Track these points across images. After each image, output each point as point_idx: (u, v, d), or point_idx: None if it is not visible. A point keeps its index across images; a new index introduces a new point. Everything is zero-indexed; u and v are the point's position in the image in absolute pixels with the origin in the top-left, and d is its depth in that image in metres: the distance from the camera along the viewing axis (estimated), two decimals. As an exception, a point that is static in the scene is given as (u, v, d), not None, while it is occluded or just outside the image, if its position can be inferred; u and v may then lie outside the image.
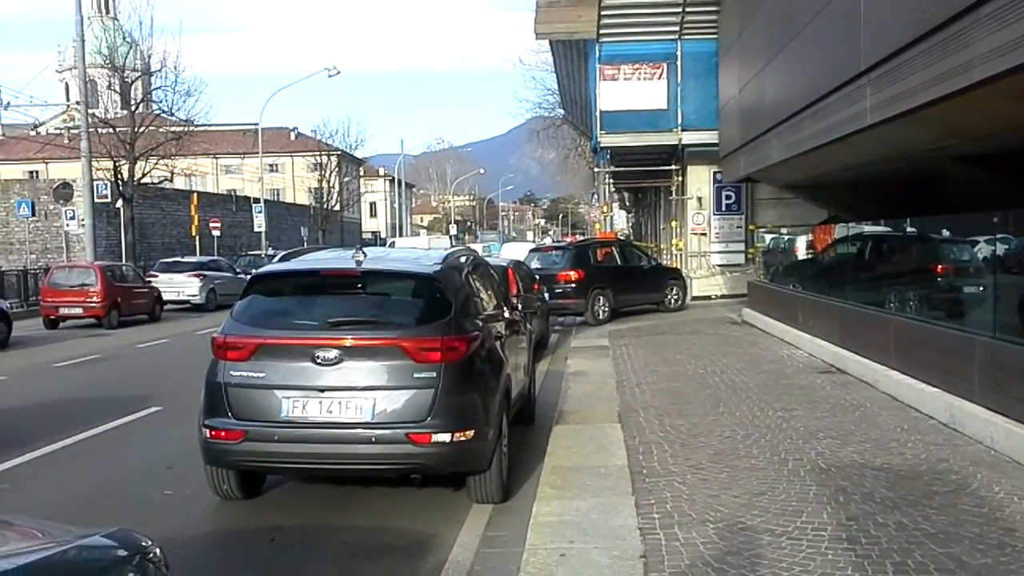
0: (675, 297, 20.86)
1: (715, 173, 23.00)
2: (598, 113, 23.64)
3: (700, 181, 23.97)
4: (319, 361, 5.72)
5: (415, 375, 5.72)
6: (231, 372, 5.85)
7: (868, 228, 13.00)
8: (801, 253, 16.76)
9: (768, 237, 19.44)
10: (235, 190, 63.17)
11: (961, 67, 6.45)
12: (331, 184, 59.92)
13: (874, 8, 8.82)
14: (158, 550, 3.02)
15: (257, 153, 51.08)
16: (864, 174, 12.84)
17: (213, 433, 5.82)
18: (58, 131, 62.87)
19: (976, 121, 7.70)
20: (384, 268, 6.75)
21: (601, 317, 18.50)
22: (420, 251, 8.25)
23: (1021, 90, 6.34)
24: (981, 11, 6.11)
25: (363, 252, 6.46)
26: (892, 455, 6.77)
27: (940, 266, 9.88)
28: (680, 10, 21.87)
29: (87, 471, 7.52)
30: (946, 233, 9.61)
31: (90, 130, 29.46)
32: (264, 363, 5.80)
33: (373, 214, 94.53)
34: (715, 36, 20.70)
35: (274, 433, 5.69)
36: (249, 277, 7.17)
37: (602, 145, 24.27)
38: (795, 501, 5.66)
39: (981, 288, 8.32)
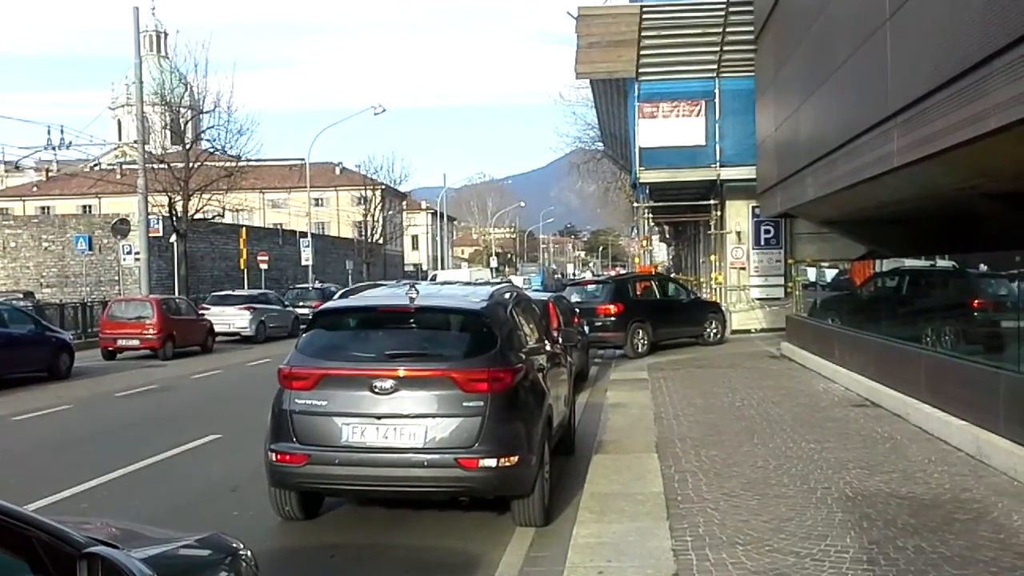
0: (714, 331, 21.12)
1: (753, 207, 23.26)
2: (637, 149, 24.09)
3: (739, 215, 24.28)
4: (376, 390, 6.20)
5: (464, 404, 6.18)
6: (296, 400, 6.36)
7: (905, 264, 13.26)
8: (838, 288, 17.01)
9: (807, 272, 19.67)
10: (281, 224, 64.63)
11: (978, 115, 6.82)
12: (375, 218, 61.03)
13: (899, 56, 9.21)
14: (249, 552, 3.49)
15: (303, 187, 52.38)
16: (899, 211, 13.12)
17: (279, 457, 6.33)
18: (111, 167, 64.98)
19: (998, 164, 8.04)
20: (435, 304, 7.22)
21: (640, 350, 18.83)
22: (468, 288, 8.73)
23: (1038, 136, 6.68)
24: (994, 64, 6.49)
25: (416, 289, 6.98)
26: (917, 485, 7.06)
27: (970, 302, 10.15)
28: (718, 49, 22.36)
29: (159, 493, 8.07)
30: (983, 268, 9.90)
31: (146, 166, 30.55)
32: (326, 392, 6.30)
33: (415, 247, 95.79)
34: (752, 74, 21.11)
35: (335, 457, 6.18)
36: (312, 312, 7.73)
37: (641, 181, 24.71)
38: (821, 526, 5.99)
39: (1007, 324, 8.58)
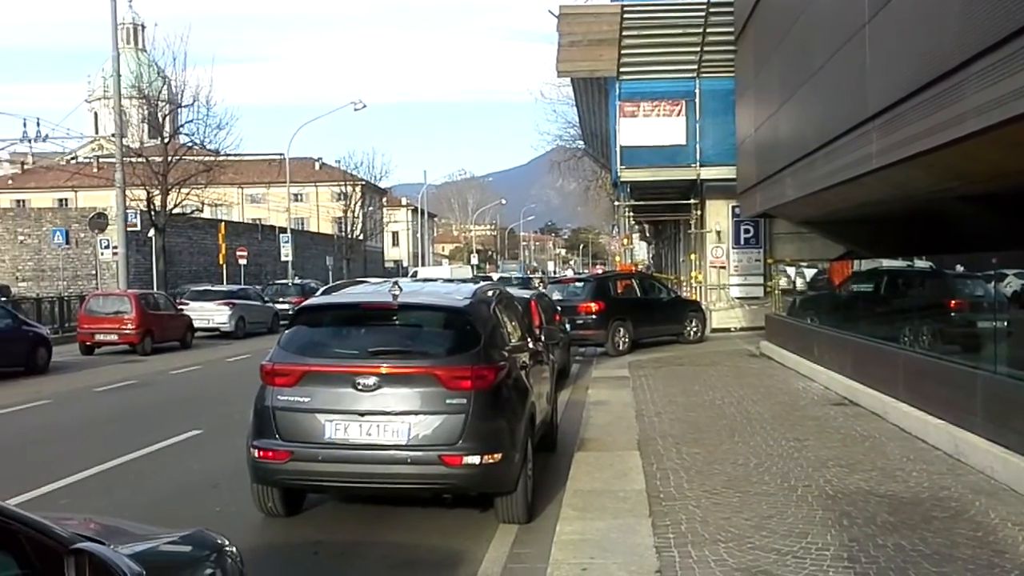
0: (694, 329, 21.25)
1: (734, 207, 23.43)
2: (618, 148, 24.20)
3: (719, 215, 24.44)
4: (359, 387, 6.20)
5: (447, 401, 6.19)
6: (278, 397, 6.35)
7: (883, 264, 13.38)
8: (817, 287, 17.15)
9: (787, 271, 19.84)
10: (260, 219, 64.27)
11: (955, 119, 6.92)
12: (355, 214, 60.80)
13: (878, 59, 9.31)
14: (234, 548, 3.49)
15: (282, 182, 52.03)
16: (877, 212, 13.24)
17: (261, 453, 6.31)
18: (88, 160, 64.32)
19: (975, 167, 8.15)
20: (418, 302, 7.21)
21: (621, 348, 18.90)
22: (451, 285, 8.74)
23: (1013, 139, 6.78)
24: (971, 68, 6.58)
25: (399, 287, 6.98)
26: (896, 483, 7.15)
27: (948, 302, 10.27)
28: (698, 50, 22.48)
29: (140, 489, 8.03)
30: (960, 269, 10.02)
31: (123, 160, 30.25)
32: (309, 388, 6.29)
33: (395, 243, 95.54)
34: (732, 75, 21.25)
35: (318, 454, 6.17)
36: (293, 308, 7.73)
37: (622, 180, 24.81)
38: (802, 524, 6.05)
39: (983, 324, 8.71)
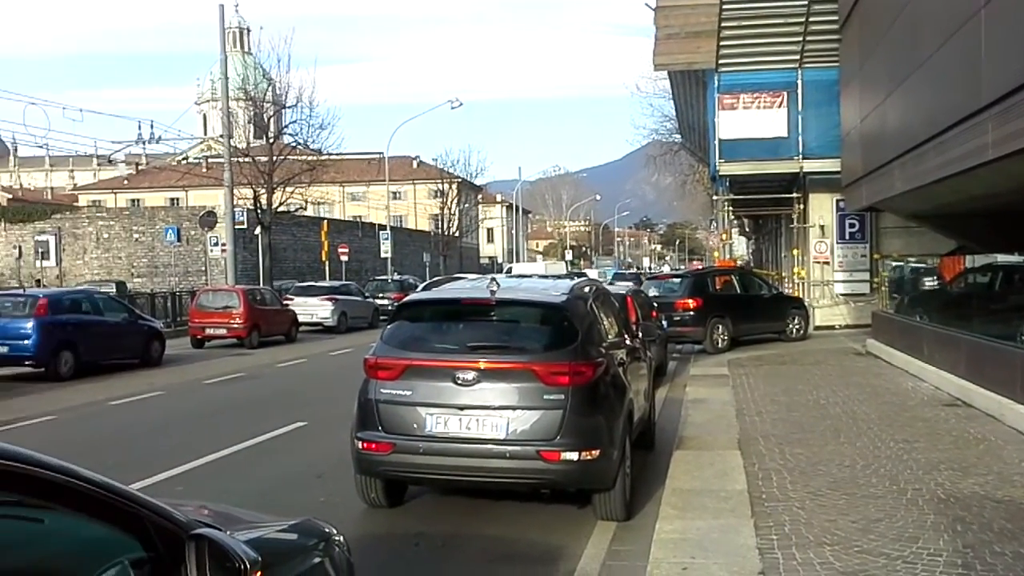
0: (797, 326, 20.73)
1: (838, 201, 22.70)
2: (717, 141, 23.72)
3: (822, 209, 23.73)
4: (459, 382, 6.28)
5: (545, 397, 6.21)
6: (381, 390, 6.49)
7: (999, 259, 12.80)
8: (928, 284, 16.51)
9: (894, 267, 19.16)
10: (361, 217, 65.65)
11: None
12: (451, 211, 61.51)
13: (993, 45, 8.86)
14: (341, 537, 3.58)
15: (382, 181, 53.06)
16: (992, 205, 12.65)
17: (365, 445, 6.47)
18: (197, 160, 66.88)
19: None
20: (516, 298, 7.28)
21: (720, 346, 18.58)
22: (548, 281, 8.75)
23: None
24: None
25: (496, 283, 7.03)
26: (1015, 488, 6.82)
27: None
28: (800, 39, 21.85)
29: (249, 478, 8.33)
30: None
31: (231, 160, 31.34)
32: (411, 382, 6.41)
33: (490, 239, 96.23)
34: (836, 64, 20.57)
35: (419, 446, 6.29)
36: (396, 305, 7.89)
37: (721, 174, 24.32)
38: (912, 528, 5.84)
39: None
